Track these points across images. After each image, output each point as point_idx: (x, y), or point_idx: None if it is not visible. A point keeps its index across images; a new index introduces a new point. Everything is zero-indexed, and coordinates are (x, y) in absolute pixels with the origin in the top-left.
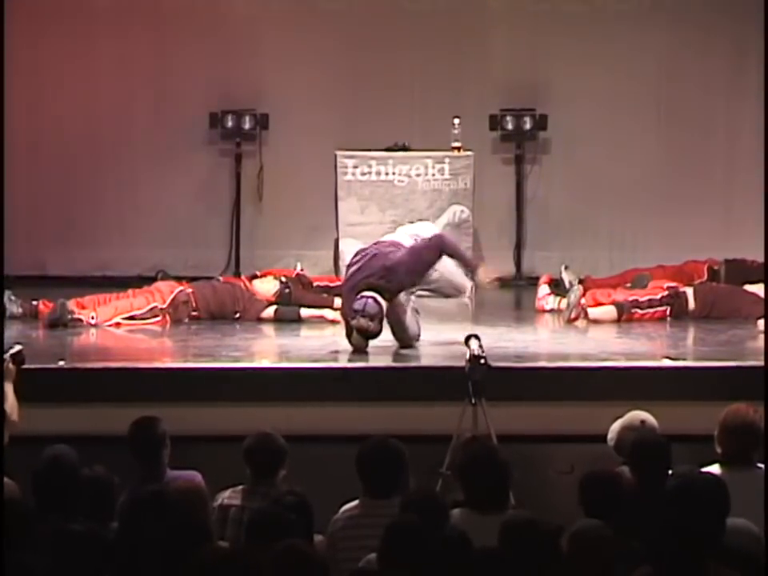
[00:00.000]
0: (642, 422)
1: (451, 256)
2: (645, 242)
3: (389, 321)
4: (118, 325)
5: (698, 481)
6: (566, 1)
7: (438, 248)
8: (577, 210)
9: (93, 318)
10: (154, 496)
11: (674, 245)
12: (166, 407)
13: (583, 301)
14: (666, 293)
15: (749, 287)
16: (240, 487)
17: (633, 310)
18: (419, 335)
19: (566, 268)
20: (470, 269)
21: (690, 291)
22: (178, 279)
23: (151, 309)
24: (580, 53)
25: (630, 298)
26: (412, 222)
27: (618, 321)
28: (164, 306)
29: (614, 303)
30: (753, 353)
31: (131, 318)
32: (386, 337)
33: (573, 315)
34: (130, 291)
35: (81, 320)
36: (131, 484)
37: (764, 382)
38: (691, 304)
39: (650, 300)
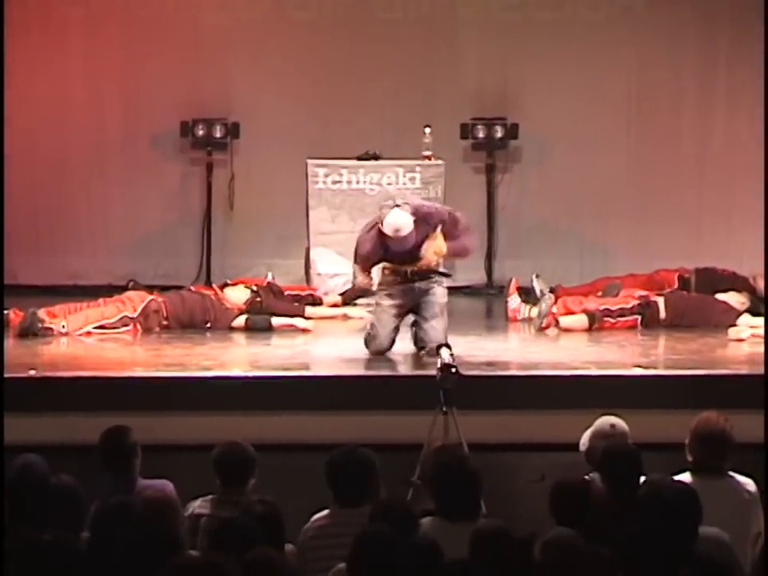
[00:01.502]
0: (612, 425)
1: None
2: (616, 250)
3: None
4: (88, 334)
5: (669, 489)
6: (537, 10)
7: None
8: (548, 218)
9: (63, 327)
10: (124, 505)
11: (645, 254)
12: (137, 416)
13: (554, 309)
14: (637, 301)
15: (719, 296)
16: (210, 497)
17: (604, 319)
18: (384, 349)
19: (537, 277)
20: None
21: (660, 300)
22: (149, 288)
23: (122, 318)
24: (551, 62)
25: (601, 307)
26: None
27: (589, 329)
28: (135, 316)
29: (585, 312)
30: (723, 361)
31: (102, 327)
32: (361, 346)
33: (544, 324)
34: (100, 300)
35: (51, 329)
36: (102, 493)
37: (764, 389)
38: (662, 313)
39: (620, 309)
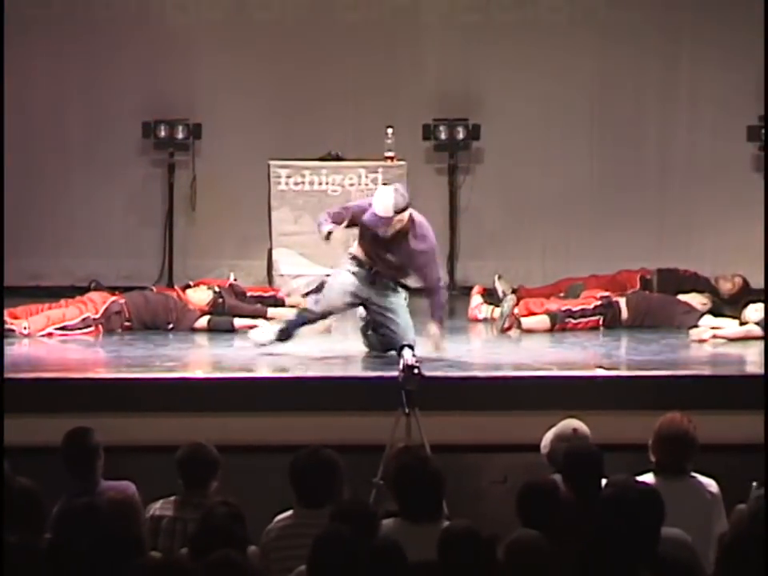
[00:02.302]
0: (574, 430)
1: None
2: (578, 251)
3: None
4: (50, 335)
5: (632, 490)
6: (499, 11)
7: None
8: (510, 219)
9: (25, 328)
10: (86, 507)
11: (607, 255)
12: (99, 418)
13: (516, 310)
14: (599, 302)
15: (681, 296)
16: (172, 498)
17: (566, 320)
18: (334, 309)
19: (499, 278)
20: None
21: (622, 301)
22: (111, 289)
23: (84, 319)
24: (513, 63)
25: (563, 308)
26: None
27: (551, 330)
28: (97, 317)
29: (547, 313)
30: (685, 362)
31: (64, 328)
32: (323, 347)
33: (506, 325)
34: (62, 301)
35: (13, 330)
36: (64, 495)
37: (764, 391)
38: (624, 313)
39: (582, 309)
